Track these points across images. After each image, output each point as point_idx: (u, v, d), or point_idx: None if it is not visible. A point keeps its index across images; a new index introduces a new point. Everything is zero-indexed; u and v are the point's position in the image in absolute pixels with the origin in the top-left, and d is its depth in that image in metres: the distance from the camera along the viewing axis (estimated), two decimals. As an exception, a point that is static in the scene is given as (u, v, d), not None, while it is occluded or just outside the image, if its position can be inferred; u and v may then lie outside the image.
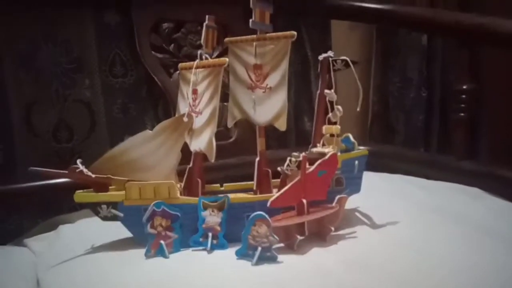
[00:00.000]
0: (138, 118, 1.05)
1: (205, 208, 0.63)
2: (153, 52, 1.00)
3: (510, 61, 0.84)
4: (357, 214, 0.76)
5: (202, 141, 0.65)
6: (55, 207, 0.93)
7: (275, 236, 0.58)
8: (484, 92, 0.87)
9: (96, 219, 0.85)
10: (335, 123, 0.70)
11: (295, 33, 0.63)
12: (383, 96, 1.29)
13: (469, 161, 0.89)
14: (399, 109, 1.25)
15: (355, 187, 0.70)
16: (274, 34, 0.65)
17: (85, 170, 0.64)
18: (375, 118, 1.32)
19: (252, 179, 0.73)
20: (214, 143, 0.63)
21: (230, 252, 0.61)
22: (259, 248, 0.57)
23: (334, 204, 0.65)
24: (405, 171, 1.00)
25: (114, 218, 0.64)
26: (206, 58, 0.68)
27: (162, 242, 0.61)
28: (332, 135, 0.69)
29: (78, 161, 0.66)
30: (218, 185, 0.74)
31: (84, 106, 1.00)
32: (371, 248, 0.62)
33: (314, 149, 0.69)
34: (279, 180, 0.69)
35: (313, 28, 1.20)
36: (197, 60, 0.68)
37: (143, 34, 0.98)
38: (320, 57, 0.68)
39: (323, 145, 0.70)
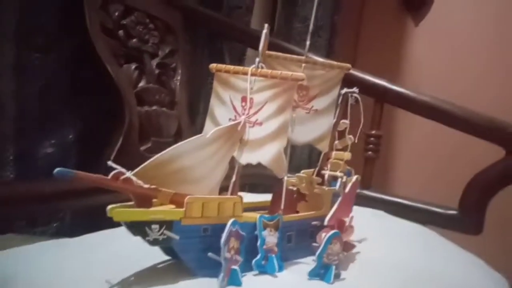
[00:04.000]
0: (57, 113, 0.80)
1: (264, 228, 0.58)
2: (103, 35, 0.80)
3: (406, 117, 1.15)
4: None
5: (265, 155, 0.60)
6: None
7: (345, 253, 0.60)
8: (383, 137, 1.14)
9: (33, 248, 0.61)
10: (341, 150, 0.78)
11: (350, 66, 0.69)
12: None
13: (368, 189, 1.13)
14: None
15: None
16: (328, 62, 0.69)
17: (134, 178, 0.48)
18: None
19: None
20: (284, 157, 0.60)
21: (291, 273, 0.58)
22: (333, 266, 0.58)
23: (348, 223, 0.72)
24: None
25: (165, 241, 0.50)
26: (262, 67, 0.63)
27: (235, 267, 0.52)
28: (339, 161, 0.77)
29: (110, 163, 0.48)
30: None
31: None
32: (386, 259, 0.71)
33: (326, 173, 0.74)
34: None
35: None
36: (253, 67, 0.62)
37: (93, 9, 0.78)
38: (343, 91, 0.75)
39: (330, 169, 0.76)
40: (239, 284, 0.52)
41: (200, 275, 0.52)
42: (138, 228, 0.48)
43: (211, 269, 0.52)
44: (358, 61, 1.78)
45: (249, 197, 0.90)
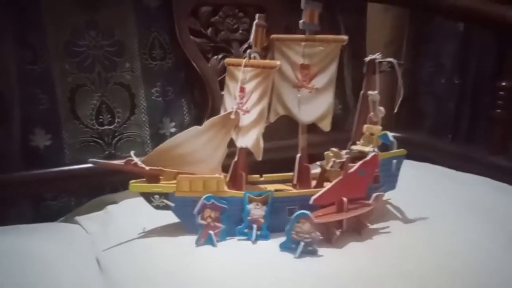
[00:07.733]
0: (176, 101, 1.08)
1: (250, 202, 0.68)
2: (191, 37, 1.01)
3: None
4: (389, 207, 0.79)
5: (249, 139, 0.68)
6: (98, 188, 0.99)
7: (318, 233, 0.62)
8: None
9: (140, 200, 0.92)
10: (375, 123, 0.72)
11: (346, 37, 0.65)
12: (412, 80, 1.28)
13: (500, 157, 0.90)
14: (429, 95, 1.26)
15: (391, 184, 0.74)
16: (323, 36, 0.67)
17: (139, 163, 0.69)
18: (403, 103, 1.32)
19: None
20: (262, 142, 0.67)
21: (272, 243, 0.66)
22: (302, 243, 0.62)
23: (371, 201, 0.69)
24: (432, 161, 1.02)
25: (165, 207, 0.69)
26: (255, 58, 0.69)
27: (211, 232, 0.66)
28: (371, 134, 0.72)
29: (132, 152, 0.71)
30: (258, 176, 0.78)
31: (125, 89, 1.04)
32: (403, 244, 0.66)
33: (354, 147, 0.72)
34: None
35: (349, 10, 1.19)
36: (246, 59, 0.69)
37: (182, 18, 0.99)
38: (366, 59, 0.69)
39: (363, 143, 0.73)
40: (214, 245, 0.66)
41: (195, 233, 0.69)
42: (146, 196, 0.70)
43: (204, 229, 0.68)
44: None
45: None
